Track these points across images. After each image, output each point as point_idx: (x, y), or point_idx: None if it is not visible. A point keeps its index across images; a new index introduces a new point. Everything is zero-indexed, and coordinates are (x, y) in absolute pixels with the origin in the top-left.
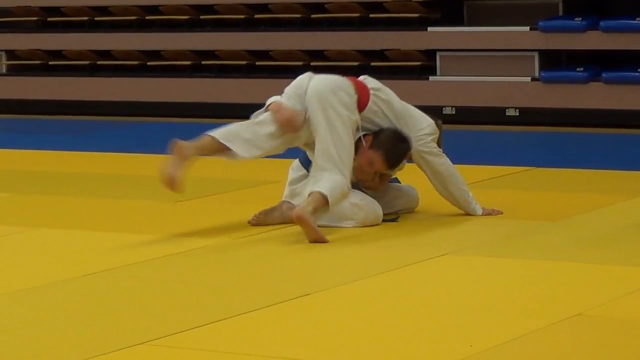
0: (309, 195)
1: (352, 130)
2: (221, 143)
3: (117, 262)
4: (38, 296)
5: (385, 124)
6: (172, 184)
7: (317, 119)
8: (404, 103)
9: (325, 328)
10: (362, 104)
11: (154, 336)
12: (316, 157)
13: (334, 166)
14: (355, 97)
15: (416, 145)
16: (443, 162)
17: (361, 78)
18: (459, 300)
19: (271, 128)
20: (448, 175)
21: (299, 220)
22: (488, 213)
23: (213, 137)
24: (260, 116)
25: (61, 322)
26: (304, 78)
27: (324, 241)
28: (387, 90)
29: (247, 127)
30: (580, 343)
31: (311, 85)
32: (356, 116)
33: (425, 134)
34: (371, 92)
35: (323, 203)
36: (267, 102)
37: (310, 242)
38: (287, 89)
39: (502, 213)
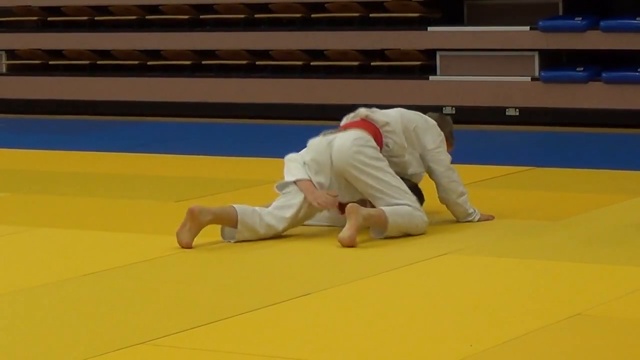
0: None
1: (387, 164)
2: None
3: (117, 261)
4: (38, 296)
5: (400, 153)
6: (186, 247)
7: (363, 184)
8: (407, 117)
9: (325, 328)
10: (379, 145)
11: (154, 336)
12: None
13: (403, 199)
14: (375, 144)
15: (430, 162)
16: (449, 175)
17: (365, 113)
18: (459, 300)
19: (294, 209)
20: (449, 190)
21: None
22: (485, 219)
23: (237, 212)
24: (282, 198)
25: (61, 321)
26: (320, 144)
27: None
28: (391, 116)
29: (272, 214)
30: (580, 343)
31: (336, 157)
32: (385, 159)
33: (437, 151)
34: (381, 130)
35: (382, 220)
36: (289, 171)
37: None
38: (305, 155)
39: (493, 218)
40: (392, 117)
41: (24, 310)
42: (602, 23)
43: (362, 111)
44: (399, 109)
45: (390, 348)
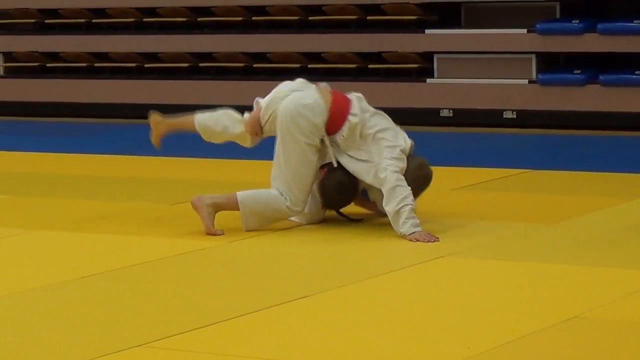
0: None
1: (311, 152)
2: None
3: (115, 264)
4: (36, 298)
5: (359, 151)
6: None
7: (277, 142)
8: (385, 127)
9: (323, 330)
10: (332, 128)
11: (152, 338)
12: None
13: (277, 185)
14: (322, 119)
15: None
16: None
17: (354, 97)
18: (457, 303)
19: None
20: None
21: (193, 206)
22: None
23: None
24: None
25: (59, 324)
26: (283, 89)
27: (213, 234)
28: (373, 115)
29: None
30: (577, 345)
31: (281, 107)
32: (316, 140)
33: (392, 161)
34: (349, 117)
35: (232, 204)
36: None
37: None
38: (270, 95)
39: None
40: (375, 121)
41: (22, 313)
42: (599, 26)
43: (355, 94)
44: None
45: (388, 351)
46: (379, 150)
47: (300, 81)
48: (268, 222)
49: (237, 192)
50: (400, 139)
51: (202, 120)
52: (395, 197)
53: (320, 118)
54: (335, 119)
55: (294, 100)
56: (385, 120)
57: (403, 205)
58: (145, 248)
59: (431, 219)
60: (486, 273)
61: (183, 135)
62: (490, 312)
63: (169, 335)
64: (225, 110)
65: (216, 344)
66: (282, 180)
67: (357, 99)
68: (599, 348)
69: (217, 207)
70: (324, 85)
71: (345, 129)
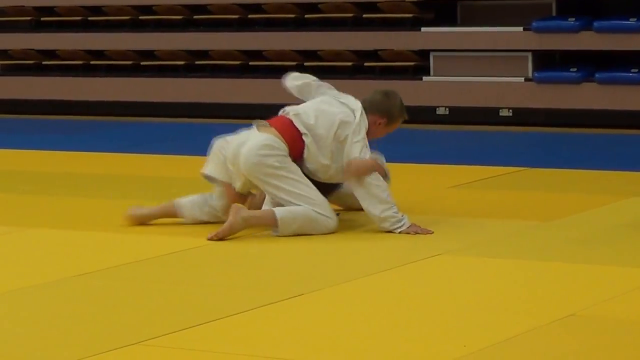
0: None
1: (297, 175)
2: None
3: (110, 262)
4: (30, 296)
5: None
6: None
7: (269, 193)
8: (342, 126)
9: (318, 328)
10: (296, 154)
11: (148, 336)
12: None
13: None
14: (283, 147)
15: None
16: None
17: (292, 113)
18: (453, 301)
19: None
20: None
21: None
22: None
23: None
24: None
25: (54, 322)
26: (234, 146)
27: (213, 238)
28: (321, 125)
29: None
30: (573, 343)
31: (242, 164)
32: (292, 165)
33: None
34: (303, 137)
35: (270, 221)
36: (211, 161)
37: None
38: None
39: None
40: (323, 126)
41: (16, 311)
42: (595, 24)
43: (290, 111)
44: (342, 109)
45: (384, 348)
46: (345, 152)
47: (237, 134)
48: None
49: (275, 209)
50: (350, 119)
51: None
52: (375, 201)
53: (282, 146)
54: (294, 143)
55: (247, 149)
56: (327, 111)
57: (385, 210)
58: (141, 246)
59: (427, 217)
60: (482, 271)
61: (176, 135)
62: (486, 310)
63: (164, 333)
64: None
65: (211, 342)
66: (305, 200)
67: (294, 116)
68: (595, 346)
69: (249, 223)
70: (260, 122)
71: (305, 153)
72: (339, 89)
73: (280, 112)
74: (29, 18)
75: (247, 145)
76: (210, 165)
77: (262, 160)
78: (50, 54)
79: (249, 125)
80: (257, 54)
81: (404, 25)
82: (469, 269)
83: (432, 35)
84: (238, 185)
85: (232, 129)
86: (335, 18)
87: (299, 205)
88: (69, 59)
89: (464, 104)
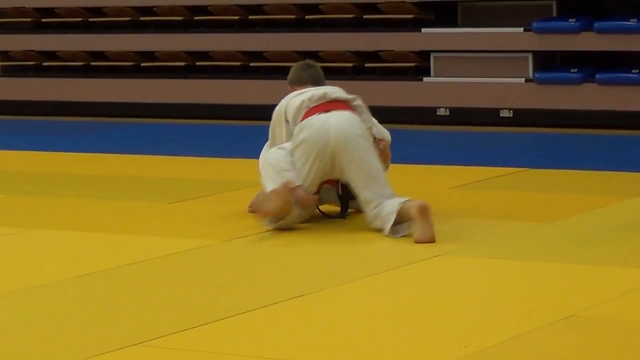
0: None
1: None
2: None
3: (111, 263)
4: (32, 297)
5: None
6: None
7: (357, 168)
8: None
9: (319, 329)
10: None
11: (149, 337)
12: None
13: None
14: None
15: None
16: None
17: (344, 97)
18: (453, 301)
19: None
20: None
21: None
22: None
23: None
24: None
25: (56, 323)
26: (317, 122)
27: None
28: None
29: None
30: (573, 344)
31: (336, 135)
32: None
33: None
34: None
35: None
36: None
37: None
38: (299, 134)
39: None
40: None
41: (18, 312)
42: (596, 24)
43: (338, 93)
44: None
45: (384, 349)
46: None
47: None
48: None
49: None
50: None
51: None
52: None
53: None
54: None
55: (339, 120)
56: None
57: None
58: (142, 247)
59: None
60: (483, 271)
61: (177, 136)
62: (487, 311)
63: (166, 334)
64: None
65: (212, 343)
66: (377, 184)
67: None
68: (596, 347)
69: None
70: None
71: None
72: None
73: (318, 99)
74: (29, 19)
75: (337, 118)
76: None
77: (360, 132)
78: (51, 55)
79: (249, 125)
80: (258, 55)
81: (404, 26)
82: (469, 269)
83: (432, 36)
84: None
85: (233, 130)
86: (335, 19)
87: (387, 189)
88: (69, 60)
89: (465, 105)
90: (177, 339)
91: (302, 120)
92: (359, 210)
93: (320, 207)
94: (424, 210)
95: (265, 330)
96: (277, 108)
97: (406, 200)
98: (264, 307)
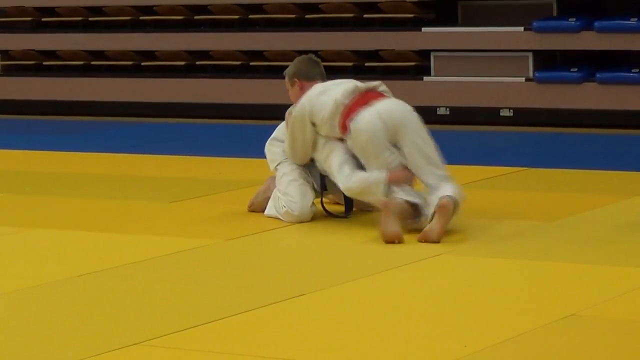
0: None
1: None
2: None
3: (112, 262)
4: (33, 296)
5: None
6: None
7: (417, 148)
8: None
9: (320, 328)
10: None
11: (149, 336)
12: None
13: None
14: None
15: None
16: None
17: (382, 87)
18: (454, 301)
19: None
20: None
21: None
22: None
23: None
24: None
25: (56, 322)
26: (373, 118)
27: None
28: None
29: None
30: (574, 343)
31: (395, 118)
32: None
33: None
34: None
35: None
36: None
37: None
38: (359, 135)
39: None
40: None
41: (19, 311)
42: (596, 24)
43: (363, 84)
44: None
45: (384, 348)
46: None
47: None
48: None
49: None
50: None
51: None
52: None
53: None
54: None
55: (392, 105)
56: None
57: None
58: (143, 246)
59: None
60: (483, 271)
61: (177, 135)
62: (487, 310)
63: (166, 333)
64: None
65: (213, 342)
66: (435, 167)
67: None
68: (596, 346)
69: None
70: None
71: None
72: None
73: (356, 92)
74: (29, 18)
75: (387, 105)
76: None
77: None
78: (51, 54)
79: (249, 125)
80: (258, 54)
81: (404, 26)
82: (469, 269)
83: (432, 35)
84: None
85: (233, 129)
86: (336, 18)
87: (442, 170)
88: (69, 60)
89: (465, 104)
90: (177, 338)
91: (342, 121)
92: (363, 210)
93: (325, 205)
94: (442, 210)
95: (266, 330)
96: (297, 111)
97: (445, 196)
98: (264, 306)
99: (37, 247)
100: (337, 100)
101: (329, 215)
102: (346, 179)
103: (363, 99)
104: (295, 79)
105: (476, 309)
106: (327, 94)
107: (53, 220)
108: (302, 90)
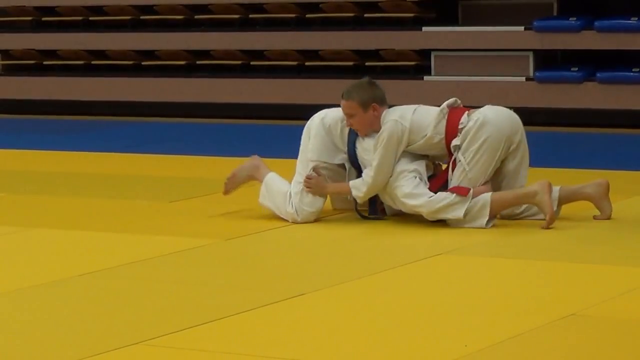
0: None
1: None
2: None
3: (112, 262)
4: (33, 296)
5: None
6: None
7: (524, 156)
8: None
9: (320, 328)
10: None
11: (149, 336)
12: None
13: None
14: None
15: None
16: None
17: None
18: (454, 300)
19: None
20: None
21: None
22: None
23: None
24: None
25: (56, 322)
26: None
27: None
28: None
29: None
30: (574, 343)
31: (513, 126)
32: None
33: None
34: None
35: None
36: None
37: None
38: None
39: None
40: None
41: (19, 311)
42: (596, 23)
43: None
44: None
45: (384, 348)
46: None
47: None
48: None
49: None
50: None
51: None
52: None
53: None
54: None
55: (502, 112)
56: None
57: None
58: (143, 246)
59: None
60: (484, 271)
61: (178, 135)
62: (487, 310)
63: (165, 333)
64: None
65: (213, 342)
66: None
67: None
68: (597, 346)
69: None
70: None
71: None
72: (339, 88)
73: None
74: (30, 18)
75: (494, 112)
76: None
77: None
78: (51, 53)
79: (250, 124)
80: (259, 54)
81: (405, 25)
82: (470, 268)
83: (433, 34)
84: None
85: (234, 129)
86: (336, 17)
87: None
88: (69, 59)
89: (466, 104)
90: (178, 338)
91: (452, 122)
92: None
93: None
94: (546, 187)
95: (266, 329)
96: (393, 130)
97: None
98: (264, 306)
99: (37, 246)
100: (443, 108)
101: (364, 218)
102: (429, 203)
103: (462, 108)
104: (376, 104)
105: (476, 309)
106: (419, 110)
107: (53, 219)
108: (378, 115)
